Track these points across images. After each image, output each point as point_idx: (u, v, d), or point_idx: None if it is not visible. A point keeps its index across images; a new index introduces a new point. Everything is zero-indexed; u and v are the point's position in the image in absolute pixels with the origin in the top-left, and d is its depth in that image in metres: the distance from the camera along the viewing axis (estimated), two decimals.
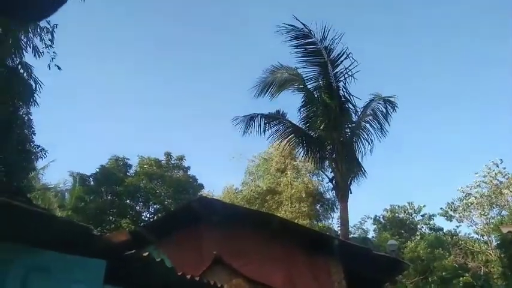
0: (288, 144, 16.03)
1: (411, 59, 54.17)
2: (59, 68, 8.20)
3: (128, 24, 52.23)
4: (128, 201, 23.66)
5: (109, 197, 22.96)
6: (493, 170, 32.24)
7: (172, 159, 26.32)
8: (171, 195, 24.26)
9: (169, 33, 56.90)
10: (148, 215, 24.55)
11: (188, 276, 4.27)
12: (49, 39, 8.06)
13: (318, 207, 29.18)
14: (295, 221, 24.48)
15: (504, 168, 31.85)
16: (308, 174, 28.44)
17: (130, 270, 3.54)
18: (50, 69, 8.20)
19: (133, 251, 3.27)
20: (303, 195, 26.89)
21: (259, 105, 28.51)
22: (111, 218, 23.04)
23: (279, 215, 23.63)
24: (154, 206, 24.44)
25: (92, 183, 22.90)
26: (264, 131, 14.81)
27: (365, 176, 14.91)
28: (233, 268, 7.77)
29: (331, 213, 29.89)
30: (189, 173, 26.38)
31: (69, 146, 48.13)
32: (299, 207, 26.57)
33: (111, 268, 3.26)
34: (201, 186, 27.11)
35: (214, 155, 58.20)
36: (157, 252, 8.09)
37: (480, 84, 51.89)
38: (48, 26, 8.10)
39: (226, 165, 62.63)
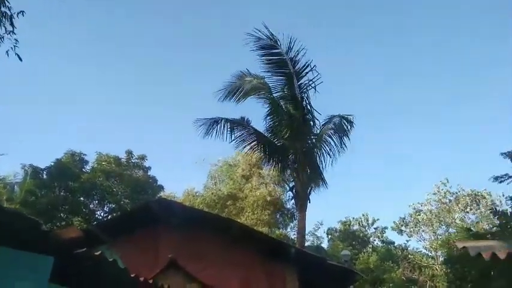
0: (251, 151, 16.05)
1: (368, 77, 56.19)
2: (20, 59, 7.75)
3: (96, 23, 50.61)
4: (81, 198, 22.74)
5: (62, 193, 21.95)
6: (442, 189, 34.02)
7: (133, 158, 25.62)
8: (129, 195, 23.57)
9: (138, 33, 55.78)
10: (102, 214, 23.71)
11: (141, 279, 4.14)
12: (10, 25, 7.58)
13: (278, 216, 29.43)
14: (255, 228, 24.57)
15: (450, 186, 33.73)
16: (272, 184, 28.65)
17: (79, 269, 3.39)
18: (8, 56, 7.74)
19: (84, 249, 3.14)
20: (265, 203, 27.04)
21: (224, 111, 28.49)
22: (62, 214, 22.01)
23: (239, 221, 23.64)
24: (110, 205, 23.63)
25: (44, 177, 21.82)
26: (228, 135, 14.75)
27: (326, 187, 15.19)
28: (189, 272, 7.66)
29: (290, 223, 30.27)
30: (149, 174, 25.77)
31: (27, 139, 45.86)
32: (260, 215, 26.68)
33: (60, 266, 3.11)
34: (161, 188, 26.55)
35: (178, 158, 57.33)
36: (110, 252, 7.81)
37: (432, 103, 54.59)
38: (8, 12, 7.64)
39: (189, 169, 61.89)
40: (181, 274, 7.63)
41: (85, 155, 23.73)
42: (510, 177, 18.83)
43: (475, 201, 32.40)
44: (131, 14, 52.65)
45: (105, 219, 22.30)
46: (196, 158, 32.20)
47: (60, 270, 3.14)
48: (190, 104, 57.76)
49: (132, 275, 3.88)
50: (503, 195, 27.09)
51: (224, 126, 14.76)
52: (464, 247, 3.92)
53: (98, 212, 23.79)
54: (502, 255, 3.48)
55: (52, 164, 21.71)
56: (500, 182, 19.24)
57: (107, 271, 3.54)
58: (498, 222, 21.65)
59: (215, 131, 14.62)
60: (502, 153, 19.06)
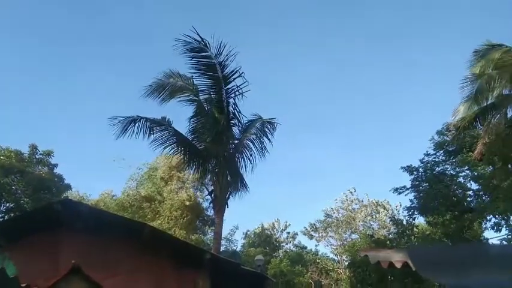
0: (171, 153, 15.67)
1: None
2: None
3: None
4: None
5: None
6: (349, 198, 36.65)
7: (38, 153, 23.40)
8: (30, 194, 21.47)
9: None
10: None
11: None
12: None
13: (197, 222, 29.09)
14: (172, 231, 23.97)
15: (357, 195, 36.53)
16: (192, 188, 28.23)
17: None
18: None
19: None
20: (183, 208, 26.55)
21: (145, 111, 27.43)
22: None
23: (154, 224, 22.86)
24: (7, 205, 21.31)
25: None
26: (146, 136, 14.21)
27: (247, 191, 15.37)
28: (93, 280, 7.15)
29: (209, 229, 30.08)
30: (55, 171, 23.74)
31: None
32: (178, 219, 26.13)
33: None
34: (68, 187, 24.68)
35: (94, 157, 53.77)
36: (4, 257, 7.01)
37: (353, 112, 58.69)
38: None
39: (107, 170, 58.21)
40: (85, 282, 7.10)
41: None
42: (408, 189, 20.95)
43: (376, 210, 35.44)
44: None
45: (0, 219, 20.02)
46: (115, 157, 30.41)
47: None
48: (114, 102, 54.66)
49: (23, 285, 3.50)
50: (400, 205, 29.94)
51: (143, 126, 14.20)
52: (366, 255, 4.22)
53: None
54: (398, 265, 3.81)
55: None
56: (399, 193, 21.30)
57: None
58: (395, 229, 23.92)
59: (132, 131, 14.00)
60: (401, 167, 21.16)
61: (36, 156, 23.33)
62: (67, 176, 24.58)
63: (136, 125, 14.06)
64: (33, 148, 23.27)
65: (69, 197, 23.50)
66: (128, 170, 31.09)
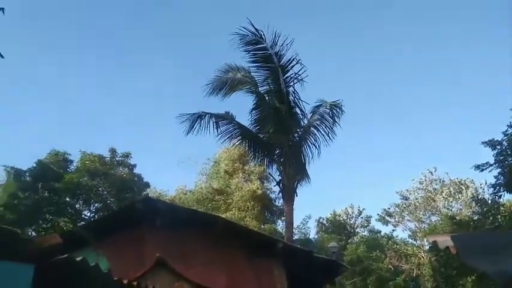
0: (236, 145, 16.04)
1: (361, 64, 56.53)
2: (2, 56, 7.53)
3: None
4: (67, 198, 22.42)
5: (46, 194, 21.59)
6: (428, 178, 34.60)
7: (117, 156, 25.33)
8: (114, 194, 23.35)
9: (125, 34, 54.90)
10: (89, 214, 23.45)
11: (125, 281, 4.12)
12: None
13: (266, 213, 29.59)
14: (244, 222, 24.66)
15: (438, 175, 34.35)
16: (258, 180, 28.74)
17: (61, 276, 3.35)
18: None
19: (65, 256, 3.10)
20: (253, 198, 27.14)
21: (209, 106, 28.37)
22: (47, 216, 21.69)
23: (227, 216, 23.68)
24: (96, 205, 23.39)
25: (27, 178, 21.42)
26: (212, 131, 14.68)
27: (309, 180, 15.28)
28: (176, 272, 7.63)
29: (278, 219, 30.46)
30: (134, 171, 25.55)
31: (6, 140, 44.90)
32: (249, 209, 26.79)
33: (41, 274, 3.06)
34: (147, 185, 26.38)
35: (166, 154, 57.06)
36: (96, 254, 7.74)
37: (422, 94, 55.28)
38: None
39: (179, 167, 61.51)
40: (169, 273, 7.61)
41: (69, 154, 23.42)
42: (491, 165, 19.30)
43: (459, 189, 33.10)
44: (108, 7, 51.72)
45: (91, 219, 22.06)
46: (183, 157, 32.13)
47: (42, 278, 3.09)
48: (178, 100, 57.33)
49: (115, 278, 3.85)
50: (485, 183, 27.72)
51: (209, 121, 14.68)
52: (434, 241, 4.01)
53: (84, 212, 23.53)
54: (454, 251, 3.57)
55: (34, 164, 21.32)
56: (482, 170, 19.73)
57: (88, 276, 3.50)
58: (479, 210, 22.23)
59: (199, 127, 14.53)
60: (483, 142, 19.52)
61: (116, 158, 25.27)
62: (145, 173, 26.35)
63: (203, 120, 14.57)
64: (113, 151, 25.23)
65: (149, 195, 25.17)
66: (195, 165, 32.43)
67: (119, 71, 57.56)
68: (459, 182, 33.39)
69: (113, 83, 57.36)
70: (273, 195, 29.58)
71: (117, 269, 5.04)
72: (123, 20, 54.14)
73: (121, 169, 25.27)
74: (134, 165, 25.66)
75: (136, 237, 8.06)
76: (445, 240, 3.88)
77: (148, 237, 8.05)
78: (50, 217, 21.70)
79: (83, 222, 19.99)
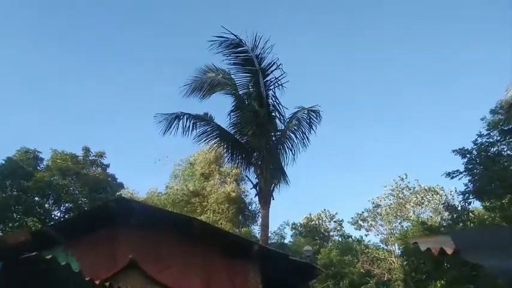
0: (214, 147, 15.93)
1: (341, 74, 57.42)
2: None
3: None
4: (36, 198, 21.67)
5: (14, 192, 20.81)
6: (400, 185, 35.41)
7: (91, 155, 24.70)
8: (86, 194, 22.73)
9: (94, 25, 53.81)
10: (59, 214, 22.74)
11: (97, 281, 3.99)
12: None
13: (240, 217, 29.51)
14: (219, 224, 24.51)
15: (409, 182, 35.19)
16: (234, 182, 28.64)
17: (30, 274, 3.20)
18: None
19: (33, 253, 2.96)
20: (228, 201, 27.02)
21: (187, 107, 28.08)
22: (15, 215, 20.90)
23: (202, 218, 23.48)
24: (66, 205, 22.70)
25: None
26: (190, 132, 14.52)
27: (287, 184, 15.35)
28: (148, 273, 7.48)
29: (254, 222, 30.46)
30: (108, 171, 24.98)
31: None
32: (223, 212, 26.65)
33: (9, 271, 2.92)
34: (121, 186, 25.84)
35: (139, 155, 56.19)
36: (67, 254, 7.50)
37: (400, 102, 56.66)
38: None
39: (150, 167, 60.58)
40: (141, 275, 7.44)
41: (40, 152, 22.68)
42: (461, 172, 19.92)
43: (429, 196, 34.01)
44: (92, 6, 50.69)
45: (61, 219, 21.39)
46: (158, 156, 31.65)
47: (9, 275, 2.95)
48: (153, 100, 56.64)
49: (87, 278, 3.72)
50: (455, 190, 28.59)
51: (186, 122, 14.52)
52: (415, 243, 4.07)
53: (54, 212, 22.81)
54: (449, 251, 3.64)
55: (3, 162, 20.52)
56: (452, 177, 20.33)
57: (59, 275, 3.37)
58: (449, 216, 22.89)
59: (177, 127, 14.36)
60: (453, 151, 20.13)
61: (90, 157, 24.64)
62: (117, 173, 25.78)
63: (180, 121, 14.40)
64: (87, 150, 24.59)
65: (122, 195, 24.65)
66: (169, 167, 32.02)
67: (94, 69, 56.34)
68: (429, 189, 34.31)
69: (91, 81, 56.07)
70: (247, 198, 29.56)
71: (88, 270, 4.88)
72: (98, 17, 53.04)
73: (94, 169, 24.67)
74: (108, 165, 25.13)
75: (109, 238, 7.87)
76: (426, 242, 3.95)
77: (122, 237, 7.87)
78: (18, 216, 20.94)
79: (52, 223, 19.34)
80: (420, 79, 55.03)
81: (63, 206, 22.85)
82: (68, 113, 53.86)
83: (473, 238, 4.02)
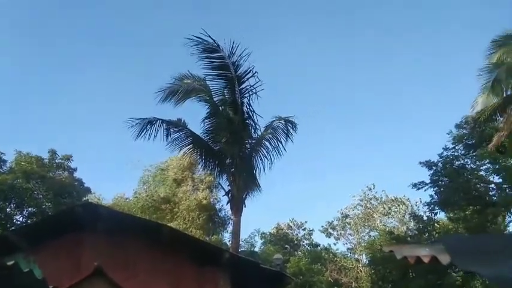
0: (187, 154, 15.79)
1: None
2: None
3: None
4: None
5: None
6: (368, 195, 36.19)
7: (57, 158, 23.85)
8: (51, 198, 21.89)
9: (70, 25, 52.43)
10: (21, 219, 21.76)
11: None
12: None
13: (210, 224, 29.21)
14: (189, 232, 24.17)
15: (376, 192, 36.02)
16: (207, 189, 28.37)
17: None
18: None
19: None
20: (200, 208, 26.72)
21: (161, 112, 27.69)
22: None
23: (172, 225, 23.07)
24: (30, 209, 21.77)
25: None
26: (162, 137, 14.36)
27: (259, 191, 15.36)
28: (115, 282, 7.25)
29: (224, 230, 30.21)
30: (75, 175, 24.17)
31: None
32: (194, 219, 26.32)
33: None
34: (88, 190, 25.04)
35: (107, 158, 54.63)
36: (28, 261, 7.16)
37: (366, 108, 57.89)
38: None
39: (118, 172, 59.07)
40: (107, 283, 7.21)
41: (3, 154, 21.69)
42: (427, 184, 20.62)
43: (395, 206, 34.92)
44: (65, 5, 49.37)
45: (24, 224, 20.48)
46: (128, 160, 30.98)
47: None
48: (124, 103, 55.51)
49: (50, 286, 3.57)
50: (420, 201, 29.46)
51: (159, 128, 14.36)
52: (391, 251, 4.14)
53: (16, 217, 21.81)
54: (426, 259, 3.72)
55: None
56: (418, 188, 20.99)
57: (21, 282, 3.21)
58: (415, 226, 23.59)
59: (149, 133, 14.17)
60: (420, 163, 20.83)
61: (56, 161, 23.78)
62: (84, 177, 24.95)
63: (153, 126, 14.21)
64: (53, 153, 23.70)
65: (89, 201, 23.91)
66: (138, 172, 31.39)
67: (64, 70, 54.64)
68: (395, 199, 35.24)
69: (58, 83, 54.32)
70: (218, 205, 29.33)
71: (51, 277, 4.68)
72: (68, 18, 51.62)
73: (60, 172, 23.82)
74: (75, 169, 24.29)
75: (74, 244, 7.63)
76: (402, 250, 4.02)
77: (87, 244, 7.65)
78: None
79: (13, 228, 18.49)
80: (381, 89, 56.33)
81: (26, 211, 21.90)
82: (35, 114, 51.74)
83: (465, 245, 4.12)
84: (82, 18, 52.42)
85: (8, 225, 20.14)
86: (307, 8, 51.29)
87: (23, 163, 21.84)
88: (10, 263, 2.96)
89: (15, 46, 48.05)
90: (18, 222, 21.20)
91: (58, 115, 53.41)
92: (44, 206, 21.77)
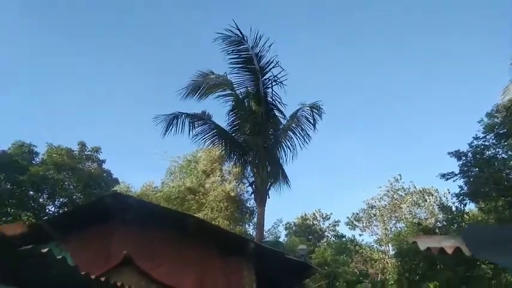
0: (212, 146, 15.93)
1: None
2: None
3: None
4: (30, 192, 21.53)
5: (8, 186, 20.66)
6: (395, 186, 35.53)
7: (87, 150, 24.58)
8: (81, 189, 22.62)
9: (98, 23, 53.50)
10: (53, 209, 22.62)
11: (93, 276, 3.96)
12: None
13: (237, 214, 29.46)
14: (216, 222, 24.48)
15: (403, 182, 35.32)
16: (234, 180, 28.59)
17: (26, 267, 3.17)
18: None
19: (30, 246, 2.93)
20: (227, 199, 26.99)
21: (186, 107, 28.04)
22: (9, 209, 20.76)
23: (199, 215, 23.43)
24: (61, 200, 22.58)
25: None
26: (188, 131, 14.56)
27: (287, 182, 15.39)
28: (143, 270, 7.45)
29: (249, 221, 30.43)
30: (103, 167, 24.87)
31: None
32: (222, 210, 26.61)
33: (3, 264, 2.89)
34: (116, 181, 25.73)
35: (136, 150, 56.01)
36: (60, 249, 7.45)
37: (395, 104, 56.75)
38: None
39: (147, 162, 60.35)
40: (135, 272, 7.41)
41: (35, 146, 22.51)
42: (456, 175, 20.03)
43: (423, 197, 34.15)
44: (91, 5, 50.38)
45: (55, 214, 21.26)
46: (157, 150, 31.53)
47: (4, 268, 2.92)
48: (150, 96, 56.53)
49: (82, 273, 3.70)
50: (448, 192, 28.70)
51: (184, 122, 14.55)
52: (414, 242, 4.07)
53: (48, 207, 22.69)
54: (449, 251, 3.64)
55: None
56: (447, 179, 20.43)
57: (55, 269, 3.34)
58: (444, 217, 23.02)
59: (175, 127, 14.42)
60: (449, 153, 20.23)
61: (85, 153, 24.52)
62: (112, 168, 25.69)
63: (179, 120, 14.42)
64: (82, 145, 24.45)
65: (118, 191, 24.55)
66: (166, 162, 31.97)
67: (93, 65, 55.95)
68: (423, 190, 34.46)
69: (87, 78, 55.69)
70: (245, 196, 29.51)
71: (81, 265, 4.85)
72: (103, 14, 52.60)
73: (89, 164, 24.55)
74: (103, 161, 25.00)
75: (103, 233, 7.83)
76: (425, 241, 3.95)
77: (117, 233, 7.84)
78: (12, 210, 20.80)
79: (46, 217, 19.24)
80: (418, 80, 54.99)
81: (58, 201, 22.72)
82: (63, 107, 53.36)
83: (484, 235, 4.01)
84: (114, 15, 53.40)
85: (41, 215, 20.98)
86: None
87: (54, 155, 22.61)
88: (45, 250, 3.08)
89: (49, 45, 49.54)
90: (51, 212, 22.03)
91: (86, 108, 54.90)
92: (74, 197, 22.51)
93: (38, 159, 22.60)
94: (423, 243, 3.87)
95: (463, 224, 20.06)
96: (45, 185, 21.61)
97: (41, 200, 22.31)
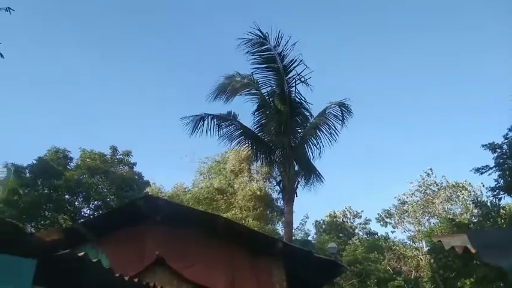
0: (238, 146, 16.07)
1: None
2: (2, 56, 7.66)
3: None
4: (66, 196, 22.39)
5: (46, 191, 21.58)
6: (427, 180, 34.60)
7: (118, 154, 25.32)
8: (114, 192, 23.30)
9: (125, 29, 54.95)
10: (88, 212, 23.43)
11: (126, 278, 4.13)
12: None
13: (267, 213, 29.58)
14: (245, 221, 24.68)
15: (435, 177, 34.35)
16: (262, 180, 28.75)
17: (63, 271, 3.35)
18: None
19: (67, 251, 3.10)
20: (255, 198, 27.15)
21: (213, 108, 28.41)
22: (47, 213, 21.67)
23: (228, 215, 23.69)
24: (95, 203, 23.34)
25: (27, 175, 21.40)
26: (214, 132, 14.74)
27: (321, 179, 15.35)
28: (175, 270, 7.64)
29: (278, 221, 30.45)
30: (134, 169, 25.52)
31: (5, 137, 44.89)
32: (250, 209, 26.81)
33: (43, 268, 3.07)
34: (147, 184, 26.35)
35: (166, 152, 57.23)
36: (96, 251, 7.76)
37: (426, 101, 55.32)
38: None
39: (176, 164, 61.59)
40: (168, 271, 7.62)
41: (69, 151, 23.40)
42: (491, 168, 19.29)
43: (456, 192, 33.10)
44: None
45: (91, 216, 22.01)
46: (185, 153, 32.21)
47: (44, 272, 3.10)
48: (178, 99, 57.49)
49: (116, 275, 3.86)
50: (483, 186, 27.71)
51: (211, 123, 14.74)
52: (439, 241, 4.01)
53: (84, 210, 23.49)
54: (473, 250, 3.57)
55: (34, 161, 21.31)
56: (481, 173, 19.71)
57: (90, 272, 3.51)
58: (479, 212, 22.23)
59: (202, 128, 14.61)
60: (483, 145, 19.51)
61: (117, 156, 25.26)
62: (143, 171, 26.31)
63: (205, 122, 14.63)
64: (114, 149, 25.20)
65: (149, 193, 25.16)
66: (195, 164, 32.51)
67: (121, 69, 57.60)
68: (457, 184, 33.41)
69: (116, 81, 57.37)
70: (274, 195, 29.59)
71: (116, 266, 5.05)
72: (129, 18, 54.10)
73: (121, 167, 25.25)
74: (134, 164, 25.64)
75: (136, 235, 8.08)
76: (450, 240, 3.88)
77: (149, 235, 8.07)
78: (49, 214, 21.68)
79: (82, 220, 19.96)
80: (446, 74, 53.33)
81: (92, 204, 23.49)
82: (94, 114, 55.18)
83: (490, 238, 3.92)
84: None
85: (77, 218, 21.78)
86: None
87: (87, 160, 23.43)
88: (81, 254, 3.25)
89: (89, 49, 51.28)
90: (86, 215, 22.83)
91: (118, 113, 56.45)
92: (108, 199, 23.20)
93: (72, 164, 23.48)
94: (448, 243, 3.80)
95: (499, 219, 19.32)
96: (80, 189, 22.39)
97: (76, 203, 23.14)
